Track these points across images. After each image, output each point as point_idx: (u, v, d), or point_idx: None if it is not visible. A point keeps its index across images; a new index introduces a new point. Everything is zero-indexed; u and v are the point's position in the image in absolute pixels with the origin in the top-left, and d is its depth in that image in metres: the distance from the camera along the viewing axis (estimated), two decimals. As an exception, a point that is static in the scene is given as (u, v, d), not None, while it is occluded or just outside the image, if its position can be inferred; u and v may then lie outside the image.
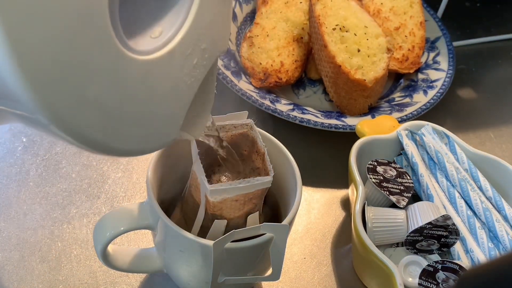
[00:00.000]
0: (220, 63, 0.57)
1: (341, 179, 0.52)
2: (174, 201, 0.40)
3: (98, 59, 0.23)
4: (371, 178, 0.45)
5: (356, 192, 0.44)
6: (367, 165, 0.46)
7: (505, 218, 0.44)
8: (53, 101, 0.21)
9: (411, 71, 0.62)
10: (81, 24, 0.21)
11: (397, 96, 0.61)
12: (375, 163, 0.46)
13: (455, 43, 0.70)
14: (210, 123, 0.35)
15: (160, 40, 0.27)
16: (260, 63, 0.58)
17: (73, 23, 0.21)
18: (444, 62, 0.64)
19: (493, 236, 0.43)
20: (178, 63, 0.28)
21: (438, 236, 0.42)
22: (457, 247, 0.43)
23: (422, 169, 0.47)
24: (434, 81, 0.61)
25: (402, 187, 0.45)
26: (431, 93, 0.59)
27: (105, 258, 0.37)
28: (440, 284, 0.39)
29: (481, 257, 0.42)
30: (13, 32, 0.19)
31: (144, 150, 0.29)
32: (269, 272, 0.38)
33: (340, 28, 0.56)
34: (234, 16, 0.66)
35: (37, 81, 0.20)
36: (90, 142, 0.24)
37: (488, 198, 0.46)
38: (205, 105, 0.34)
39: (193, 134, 0.34)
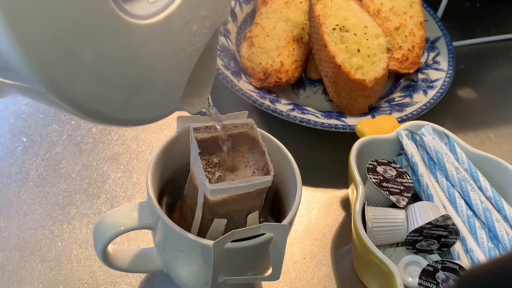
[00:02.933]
0: (220, 63, 0.57)
1: (341, 179, 0.52)
2: (174, 201, 0.40)
3: (93, 23, 0.22)
4: (371, 178, 0.45)
5: (356, 192, 0.44)
6: (367, 165, 0.46)
7: (505, 218, 0.44)
8: (48, 68, 0.21)
9: (411, 71, 0.62)
10: None
11: (397, 96, 0.61)
12: (375, 163, 0.46)
13: (455, 43, 0.70)
14: (208, 102, 0.34)
15: (157, 5, 0.27)
16: (260, 63, 0.58)
17: None
18: (444, 62, 0.64)
19: (493, 236, 0.44)
20: (177, 29, 0.28)
21: (438, 236, 0.42)
22: (457, 247, 0.43)
23: (422, 169, 0.47)
24: (434, 81, 0.61)
25: (402, 187, 0.45)
26: (431, 93, 0.59)
27: (105, 258, 0.37)
28: (440, 284, 0.39)
29: (481, 257, 0.42)
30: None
31: (142, 120, 0.28)
32: (269, 272, 0.38)
33: (340, 28, 0.56)
34: (234, 16, 0.66)
35: (32, 48, 0.20)
36: (87, 111, 0.24)
37: (488, 198, 0.46)
38: (206, 77, 0.33)
39: (194, 107, 0.33)
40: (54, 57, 0.21)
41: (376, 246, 0.40)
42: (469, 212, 0.45)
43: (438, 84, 0.61)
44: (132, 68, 0.25)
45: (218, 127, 0.36)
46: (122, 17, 0.24)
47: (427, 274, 0.39)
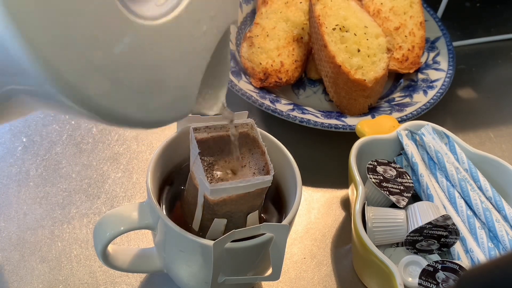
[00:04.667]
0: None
1: (341, 179, 0.52)
2: (174, 201, 0.40)
3: (102, 24, 0.23)
4: (371, 178, 0.45)
5: (356, 192, 0.44)
6: (367, 165, 0.46)
7: (505, 218, 0.44)
8: (59, 68, 0.21)
9: (411, 71, 0.62)
10: None
11: (397, 96, 0.61)
12: (375, 163, 0.46)
13: (455, 43, 0.70)
14: (223, 104, 0.34)
15: (165, 7, 0.27)
16: (260, 63, 0.59)
17: None
18: (444, 62, 0.64)
19: (493, 236, 0.43)
20: (186, 30, 0.28)
21: (438, 236, 0.42)
22: (457, 247, 0.43)
23: (422, 169, 0.47)
24: (434, 81, 0.61)
25: (402, 187, 0.45)
26: (431, 93, 0.59)
27: (105, 258, 0.37)
28: (440, 284, 0.39)
29: (481, 257, 0.42)
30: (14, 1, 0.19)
31: (158, 122, 0.28)
32: (269, 272, 0.38)
33: (340, 28, 0.56)
34: (234, 16, 0.66)
35: (43, 50, 0.20)
36: (101, 112, 0.24)
37: (488, 198, 0.46)
38: (220, 77, 0.33)
39: (210, 108, 0.33)
40: (64, 58, 0.21)
41: (376, 246, 0.40)
42: (469, 212, 0.45)
43: (438, 84, 0.61)
44: (143, 69, 0.26)
45: (231, 128, 0.36)
46: (130, 18, 0.24)
47: (427, 274, 0.39)
